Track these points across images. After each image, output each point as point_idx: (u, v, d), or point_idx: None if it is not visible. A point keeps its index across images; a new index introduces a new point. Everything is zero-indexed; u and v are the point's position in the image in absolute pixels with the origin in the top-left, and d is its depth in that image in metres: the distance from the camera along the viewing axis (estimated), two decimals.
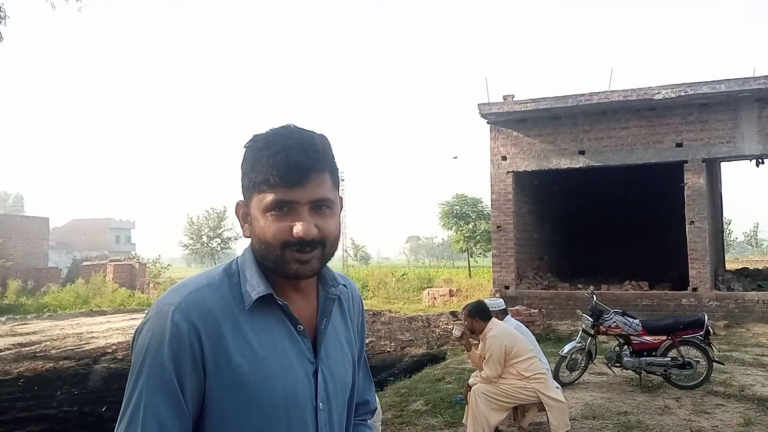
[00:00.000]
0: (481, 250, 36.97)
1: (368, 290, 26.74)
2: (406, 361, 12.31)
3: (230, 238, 42.76)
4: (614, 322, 7.42)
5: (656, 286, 14.32)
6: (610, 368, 7.64)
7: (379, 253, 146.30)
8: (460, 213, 34.96)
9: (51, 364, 10.85)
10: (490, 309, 5.58)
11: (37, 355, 11.97)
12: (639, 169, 14.55)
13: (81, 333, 15.46)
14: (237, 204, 1.24)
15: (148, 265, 34.01)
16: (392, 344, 14.07)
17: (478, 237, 34.68)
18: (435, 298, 22.44)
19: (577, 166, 13.93)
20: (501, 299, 6.01)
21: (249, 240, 1.22)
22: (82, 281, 27.51)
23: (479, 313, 5.21)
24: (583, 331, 7.69)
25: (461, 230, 35.02)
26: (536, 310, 11.47)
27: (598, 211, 18.97)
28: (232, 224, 42.67)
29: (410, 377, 9.33)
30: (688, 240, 13.11)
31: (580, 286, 13.83)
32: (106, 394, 8.57)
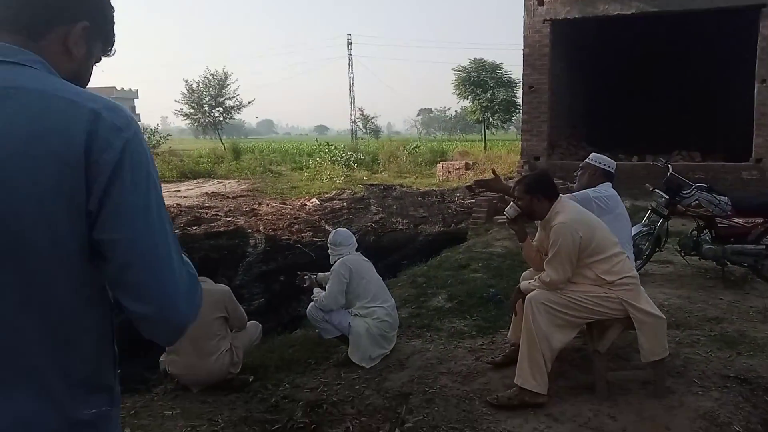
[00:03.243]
0: (498, 121, 34.75)
1: (378, 164, 25.16)
2: (420, 240, 10.95)
3: (233, 107, 40.29)
4: (696, 199, 5.71)
5: (709, 156, 12.46)
6: (683, 257, 6.05)
7: (390, 127, 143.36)
8: (477, 80, 32.26)
9: None
10: (595, 164, 4.09)
11: None
12: (697, 18, 12.17)
13: None
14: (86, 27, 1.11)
15: (145, 135, 32.29)
16: (404, 221, 12.67)
17: (496, 107, 32.28)
18: (449, 172, 20.82)
19: (629, 12, 11.53)
20: (606, 157, 4.27)
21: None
22: None
23: (542, 188, 3.49)
24: (653, 210, 6.01)
25: (478, 99, 32.51)
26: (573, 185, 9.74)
27: (642, 71, 16.60)
28: (234, 91, 40.10)
29: (427, 261, 7.89)
30: (756, 102, 11.06)
31: (621, 156, 11.99)
32: None
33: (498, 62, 32.95)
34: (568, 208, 3.44)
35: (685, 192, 5.78)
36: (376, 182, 19.40)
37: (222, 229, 11.70)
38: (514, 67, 31.20)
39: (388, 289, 4.54)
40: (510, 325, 4.01)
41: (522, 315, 3.56)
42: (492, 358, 4.03)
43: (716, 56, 14.95)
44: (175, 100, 40.86)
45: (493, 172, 4.21)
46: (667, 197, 5.80)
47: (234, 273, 8.49)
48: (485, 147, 31.01)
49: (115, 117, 1.01)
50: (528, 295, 3.46)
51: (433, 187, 17.55)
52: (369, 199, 15.54)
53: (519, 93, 32.52)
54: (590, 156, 4.30)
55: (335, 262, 4.26)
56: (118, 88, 70.98)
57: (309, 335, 4.97)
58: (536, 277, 3.50)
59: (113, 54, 1.23)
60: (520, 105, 32.95)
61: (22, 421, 0.99)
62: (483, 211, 10.35)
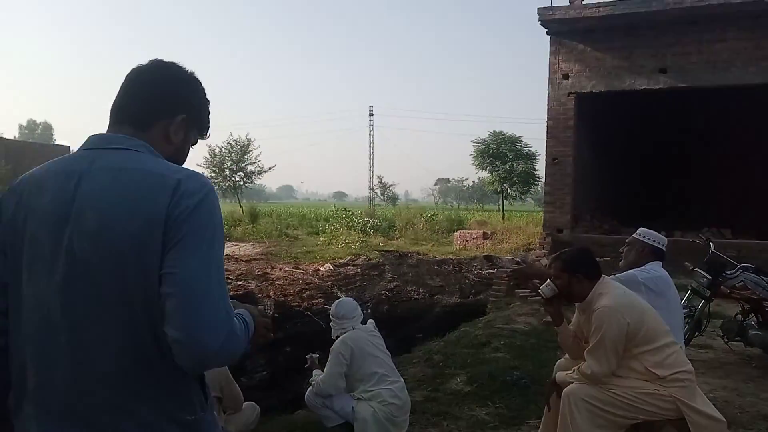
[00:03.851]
0: (517, 192, 34.52)
1: (394, 230, 24.86)
2: (436, 311, 10.44)
3: (254, 172, 40.68)
4: (742, 280, 5.25)
5: (740, 234, 11.94)
6: (726, 342, 5.52)
7: (407, 195, 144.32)
8: (496, 152, 32.31)
9: None
10: (643, 240, 3.70)
11: None
12: (728, 93, 11.95)
13: None
14: (184, 119, 1.41)
15: None
16: (420, 290, 12.19)
17: (515, 178, 32.15)
18: (467, 241, 20.38)
19: (657, 87, 11.35)
20: (656, 233, 3.86)
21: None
22: None
23: (583, 266, 3.09)
24: (693, 291, 5.53)
25: (497, 170, 32.46)
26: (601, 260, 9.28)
27: (670, 145, 16.31)
28: (256, 158, 40.60)
29: (444, 336, 7.39)
30: None
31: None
32: None
33: (518, 135, 33.13)
34: (612, 290, 3.01)
35: (729, 272, 5.33)
36: (391, 249, 19.03)
37: (231, 293, 11.27)
38: (533, 140, 31.39)
39: (401, 366, 4.08)
40: (542, 421, 3.50)
41: (556, 411, 3.09)
42: None
43: (748, 131, 14.64)
44: (197, 164, 41.42)
45: (523, 261, 3.78)
46: (710, 277, 5.34)
47: None
48: (503, 217, 30.65)
49: (191, 183, 1.26)
50: (565, 389, 2.99)
51: (450, 256, 17.08)
52: (384, 265, 15.10)
53: (538, 165, 32.57)
54: (638, 231, 3.89)
55: (337, 336, 3.82)
56: None
57: (311, 418, 4.46)
58: (575, 368, 3.04)
59: (209, 137, 1.53)
60: (539, 177, 33.16)
61: (145, 424, 1.24)
62: (503, 282, 9.87)
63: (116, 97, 1.40)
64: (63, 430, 1.25)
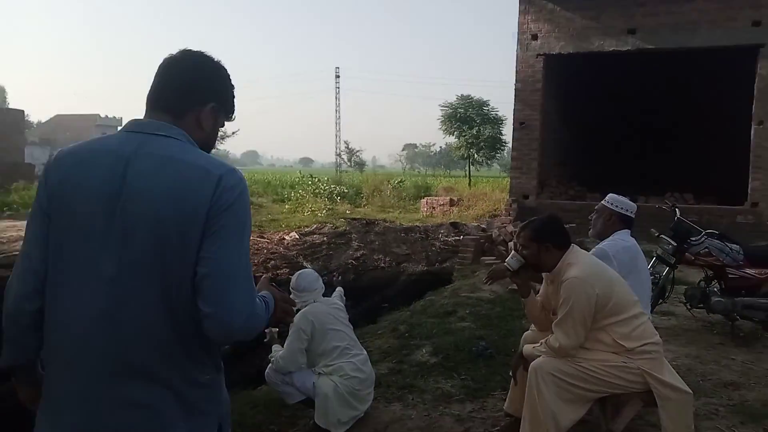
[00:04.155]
0: (483, 158, 34.54)
1: (362, 198, 24.65)
2: (402, 280, 10.35)
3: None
4: (706, 247, 5.22)
5: (702, 199, 12.10)
6: (689, 309, 5.54)
7: (375, 161, 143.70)
8: (464, 116, 32.15)
9: None
10: (612, 208, 3.58)
11: None
12: (692, 56, 11.94)
13: None
14: (213, 107, 1.57)
15: None
16: (387, 258, 12.08)
17: (482, 143, 32.10)
18: (434, 208, 20.37)
19: (625, 48, 11.25)
20: (625, 199, 3.71)
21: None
22: None
23: (552, 235, 2.95)
24: (658, 258, 5.50)
25: (464, 135, 32.33)
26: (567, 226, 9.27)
27: (634, 110, 16.35)
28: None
29: (410, 306, 7.30)
30: (753, 144, 10.77)
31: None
32: None
33: (485, 99, 32.97)
34: (582, 260, 2.90)
35: (694, 239, 5.29)
36: (358, 216, 18.85)
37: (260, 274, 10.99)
38: (501, 104, 31.35)
39: (367, 337, 3.94)
40: (508, 394, 3.42)
41: (523, 384, 2.99)
42: (485, 431, 3.43)
43: (712, 95, 14.73)
44: None
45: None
46: (675, 244, 5.31)
47: None
48: (470, 183, 30.68)
49: (231, 180, 1.44)
50: (532, 363, 2.88)
51: (417, 223, 17.00)
52: (351, 234, 14.93)
53: (505, 130, 32.54)
54: (607, 197, 3.73)
55: (298, 311, 3.64)
56: (102, 115, 70.28)
57: (274, 395, 4.32)
58: (542, 341, 2.93)
59: (234, 119, 1.68)
60: (505, 142, 33.16)
61: (169, 386, 1.43)
62: (469, 250, 9.82)
63: (152, 85, 1.55)
64: (90, 388, 1.39)
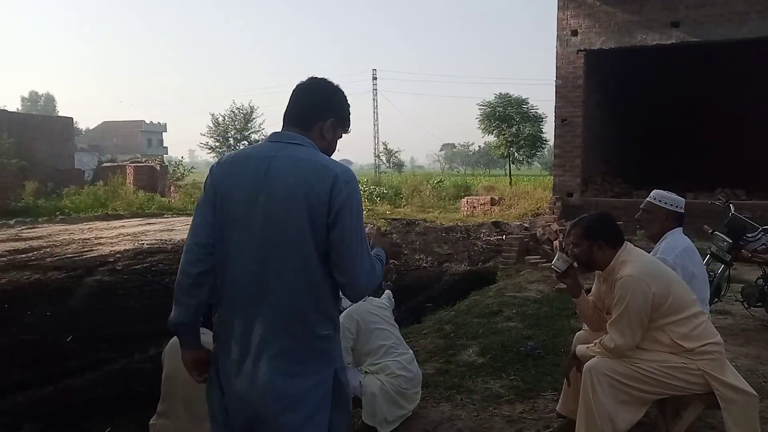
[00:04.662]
0: (524, 156, 34.13)
1: (401, 198, 24.63)
2: (445, 280, 10.29)
3: (258, 141, 40.39)
4: (764, 243, 5.04)
5: (754, 195, 11.67)
6: (746, 308, 5.35)
7: (413, 161, 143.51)
8: (503, 115, 31.81)
9: (38, 276, 9.38)
10: (665, 207, 3.41)
11: (30, 263, 10.44)
12: (736, 48, 11.53)
13: (88, 239, 14.02)
14: (333, 122, 2.00)
15: (170, 167, 32.26)
16: (428, 258, 12.03)
17: (521, 141, 31.72)
18: (474, 207, 20.19)
19: (669, 42, 10.95)
20: (672, 195, 3.55)
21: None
22: (102, 183, 25.87)
23: (605, 233, 2.89)
24: (713, 255, 5.33)
25: (503, 134, 32.01)
26: None
27: (678, 105, 15.87)
28: (260, 125, 40.24)
29: (454, 305, 7.25)
30: None
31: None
32: (83, 317, 6.89)
33: (524, 97, 32.54)
34: (637, 258, 2.82)
35: (750, 235, 5.11)
36: (399, 217, 18.84)
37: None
38: (540, 102, 30.91)
39: (412, 337, 3.92)
40: (560, 396, 3.35)
41: (577, 386, 2.93)
42: None
43: (760, 87, 14.18)
44: (201, 134, 41.13)
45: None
46: (730, 241, 5.13)
47: None
48: (510, 182, 30.35)
49: (344, 176, 1.84)
50: (586, 364, 2.82)
51: (458, 223, 16.90)
52: (391, 234, 14.95)
53: (545, 128, 32.06)
54: (652, 194, 3.52)
55: (342, 311, 3.65)
56: (147, 121, 71.96)
57: None
58: (596, 341, 2.86)
59: (350, 131, 2.09)
60: (546, 140, 32.69)
61: (299, 333, 1.84)
62: (513, 250, 9.70)
63: (287, 106, 1.98)
64: (244, 323, 1.84)
